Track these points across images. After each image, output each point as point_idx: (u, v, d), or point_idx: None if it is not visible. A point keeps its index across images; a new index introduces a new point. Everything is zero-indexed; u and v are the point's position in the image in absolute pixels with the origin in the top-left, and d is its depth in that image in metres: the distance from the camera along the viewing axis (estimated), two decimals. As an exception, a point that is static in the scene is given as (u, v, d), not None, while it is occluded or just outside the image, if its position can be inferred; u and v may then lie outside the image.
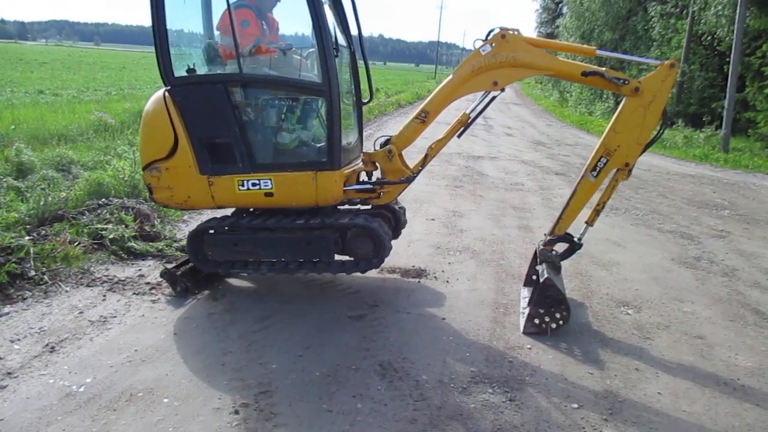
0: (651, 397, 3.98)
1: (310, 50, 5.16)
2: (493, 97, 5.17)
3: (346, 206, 5.43)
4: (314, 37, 4.67)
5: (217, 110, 4.74)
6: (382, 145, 5.23)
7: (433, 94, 5.12)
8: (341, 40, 5.33)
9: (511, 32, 4.84)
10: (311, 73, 5.09)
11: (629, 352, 4.62)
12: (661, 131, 4.99)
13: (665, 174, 13.39)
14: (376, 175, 5.40)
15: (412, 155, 5.43)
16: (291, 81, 4.99)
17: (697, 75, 22.83)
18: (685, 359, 4.55)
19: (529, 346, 4.59)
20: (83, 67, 42.15)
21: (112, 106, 16.55)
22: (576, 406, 3.80)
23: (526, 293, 5.45)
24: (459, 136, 5.29)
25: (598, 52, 5.03)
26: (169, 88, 4.81)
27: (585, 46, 5.27)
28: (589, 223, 5.17)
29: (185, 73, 4.82)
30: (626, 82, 4.72)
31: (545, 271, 4.86)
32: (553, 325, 4.77)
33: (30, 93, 20.39)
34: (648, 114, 4.72)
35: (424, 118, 5.09)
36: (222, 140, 4.81)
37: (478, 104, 5.17)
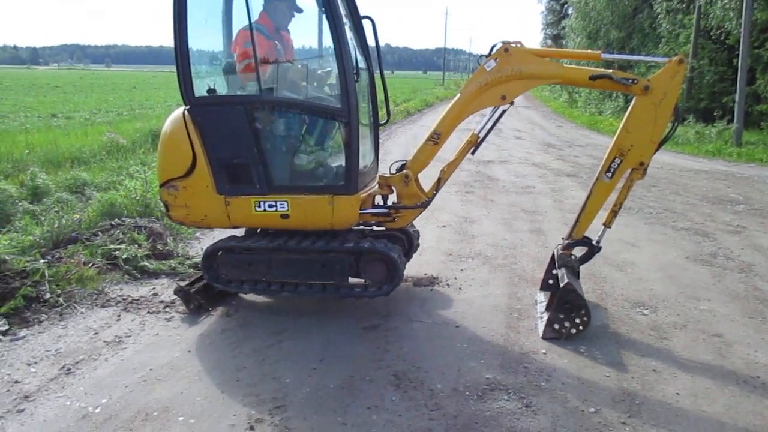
0: (670, 398, 3.93)
1: (327, 69, 5.20)
2: (503, 112, 5.15)
3: (360, 226, 5.42)
4: (335, 61, 4.68)
5: (236, 131, 4.76)
6: (398, 170, 5.23)
7: (443, 114, 5.10)
8: (361, 62, 5.33)
9: (513, 45, 4.85)
10: (331, 91, 5.10)
11: (646, 353, 4.57)
12: (674, 128, 4.95)
13: (678, 171, 13.27)
14: (392, 198, 5.40)
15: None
16: (311, 105, 5.00)
17: (706, 70, 22.64)
18: (704, 358, 4.49)
19: (544, 350, 4.55)
20: (95, 89, 42.72)
21: (124, 127, 16.74)
22: (593, 410, 3.76)
23: (542, 297, 5.43)
24: (473, 153, 5.28)
25: (603, 55, 5.01)
26: (188, 107, 4.85)
27: (589, 51, 5.26)
28: (607, 224, 5.14)
29: (206, 93, 4.86)
30: (635, 82, 4.69)
31: (565, 276, 4.83)
32: (573, 331, 4.73)
33: (43, 117, 20.67)
34: (659, 111, 4.70)
35: (436, 140, 5.09)
36: (240, 161, 4.84)
37: (487, 121, 5.15)
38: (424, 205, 5.27)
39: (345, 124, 4.75)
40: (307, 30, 5.57)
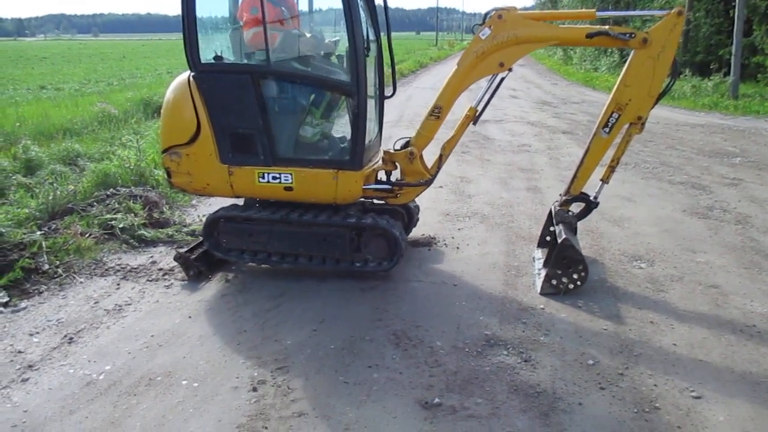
0: (667, 349, 3.98)
1: (335, 39, 5.12)
2: (501, 80, 5.07)
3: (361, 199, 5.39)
4: (345, 33, 4.60)
5: (241, 100, 4.71)
6: (403, 146, 5.18)
7: (442, 87, 4.99)
8: (370, 34, 5.19)
9: (506, 11, 4.76)
10: (339, 62, 5.05)
11: (643, 305, 4.61)
12: (672, 82, 4.92)
13: (674, 125, 13.21)
14: (395, 174, 5.36)
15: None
16: (319, 78, 4.96)
17: (702, 22, 22.33)
18: (700, 309, 4.54)
19: (542, 306, 4.59)
20: (83, 59, 42.11)
21: (115, 96, 16.55)
22: (592, 362, 3.81)
23: (540, 254, 5.45)
24: (474, 124, 5.22)
25: (598, 13, 4.93)
26: (194, 74, 4.78)
27: (584, 10, 5.18)
28: (605, 180, 5.13)
29: (212, 60, 4.79)
30: (633, 36, 4.63)
31: (563, 232, 4.84)
32: (571, 286, 4.76)
33: (32, 89, 20.41)
34: (658, 65, 4.64)
35: (438, 114, 5.02)
36: (245, 131, 4.79)
37: (484, 93, 5.06)
38: (427, 183, 5.22)
39: (353, 100, 4.69)
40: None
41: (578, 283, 4.76)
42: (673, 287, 4.92)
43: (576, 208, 5.26)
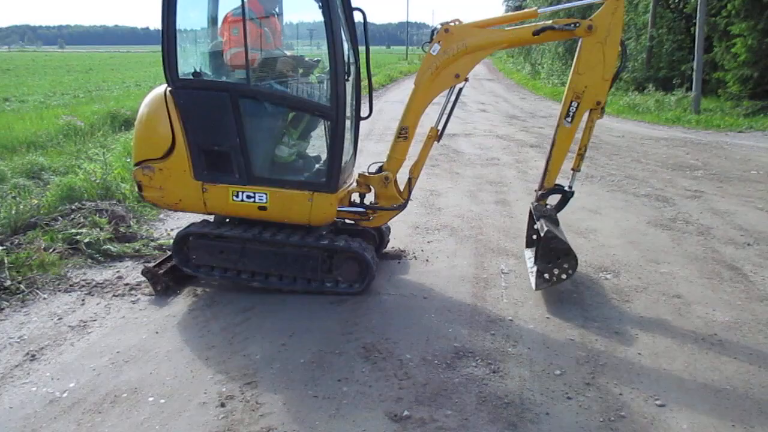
0: (632, 358, 4.05)
1: (316, 59, 5.16)
2: (459, 91, 5.17)
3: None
4: (329, 62, 4.64)
5: (219, 117, 4.69)
6: (377, 171, 5.22)
7: (405, 109, 5.10)
8: (350, 57, 5.23)
9: (452, 24, 4.87)
10: (319, 82, 5.07)
11: (609, 316, 4.69)
12: (622, 65, 5.05)
13: (639, 139, 13.49)
14: (368, 196, 5.40)
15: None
16: (299, 100, 4.98)
17: (665, 38, 22.94)
18: (664, 319, 4.63)
19: (510, 317, 4.64)
20: (49, 71, 41.30)
21: (81, 109, 16.26)
22: (559, 372, 3.86)
23: (530, 254, 5.49)
24: (438, 141, 5.34)
25: (540, 10, 5.10)
26: (171, 88, 4.74)
27: (526, 10, 5.29)
28: (576, 169, 5.23)
29: (189, 74, 4.75)
30: (578, 25, 4.78)
31: (545, 225, 4.91)
32: (564, 276, 4.80)
33: (-5, 102, 19.96)
34: (606, 49, 4.79)
35: (405, 135, 5.12)
36: (221, 148, 4.77)
37: (442, 112, 5.18)
38: (401, 208, 5.28)
39: (332, 124, 4.72)
40: (294, 8, 5.53)
41: (570, 272, 4.79)
42: (638, 297, 5.02)
43: (553, 200, 5.33)
